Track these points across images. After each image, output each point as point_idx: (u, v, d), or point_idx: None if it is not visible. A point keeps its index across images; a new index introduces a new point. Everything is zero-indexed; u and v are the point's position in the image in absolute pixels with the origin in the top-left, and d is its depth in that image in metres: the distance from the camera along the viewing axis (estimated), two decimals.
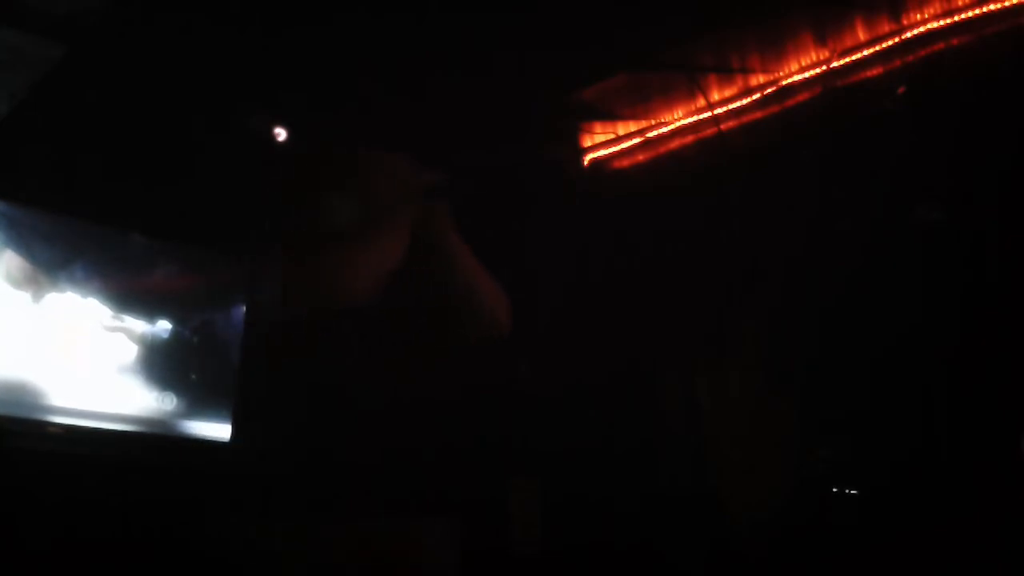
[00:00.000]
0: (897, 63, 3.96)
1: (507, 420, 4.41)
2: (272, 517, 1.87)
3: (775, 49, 4.20)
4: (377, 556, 1.83)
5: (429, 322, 1.93)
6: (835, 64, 4.10)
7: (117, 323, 4.23)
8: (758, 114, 4.34)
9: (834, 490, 3.49)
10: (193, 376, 4.41)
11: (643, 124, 4.70)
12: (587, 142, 4.87)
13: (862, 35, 4.06)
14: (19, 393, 3.88)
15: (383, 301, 1.85)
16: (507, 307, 1.96)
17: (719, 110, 4.42)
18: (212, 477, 4.21)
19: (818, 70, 4.17)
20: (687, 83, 4.40)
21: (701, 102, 4.45)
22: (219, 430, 4.42)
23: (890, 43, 3.98)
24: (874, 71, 4.04)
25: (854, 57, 4.07)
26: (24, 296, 3.99)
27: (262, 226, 4.42)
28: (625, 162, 4.80)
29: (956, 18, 3.81)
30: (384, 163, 1.92)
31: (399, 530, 1.87)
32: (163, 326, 4.37)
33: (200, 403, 4.41)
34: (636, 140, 4.74)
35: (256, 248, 4.61)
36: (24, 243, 4.02)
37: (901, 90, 3.83)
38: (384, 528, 1.85)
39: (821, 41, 4.12)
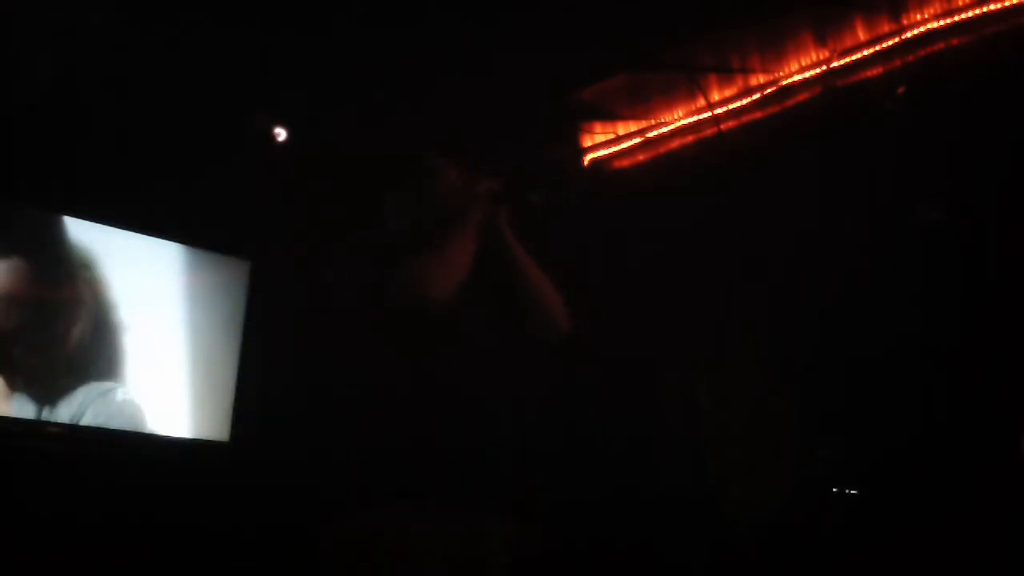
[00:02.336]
0: (897, 63, 3.95)
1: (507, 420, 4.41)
2: (275, 514, 1.89)
3: (775, 49, 4.20)
4: (384, 552, 1.83)
5: (495, 325, 1.98)
6: (835, 64, 4.10)
7: (117, 323, 4.23)
8: (758, 114, 4.34)
9: (834, 490, 3.50)
10: (193, 376, 4.41)
11: (643, 124, 4.70)
12: (587, 142, 4.87)
13: (862, 35, 4.06)
14: (19, 393, 3.88)
15: (453, 303, 1.88)
16: (566, 309, 2.05)
17: (719, 110, 4.42)
18: (212, 476, 4.22)
19: (818, 70, 4.17)
20: (687, 83, 4.40)
21: (701, 102, 4.45)
22: (219, 430, 4.42)
23: (890, 43, 3.98)
24: (874, 71, 4.04)
25: (854, 57, 4.07)
26: (24, 296, 3.98)
27: (264, 228, 4.44)
28: (625, 162, 4.80)
29: (956, 18, 3.81)
30: (448, 170, 1.97)
31: (406, 526, 1.86)
32: (163, 326, 4.37)
33: (200, 403, 4.41)
34: (636, 140, 4.74)
35: (256, 249, 4.62)
36: (24, 243, 4.02)
37: (901, 90, 3.82)
38: (394, 524, 1.86)
39: (821, 41, 4.12)
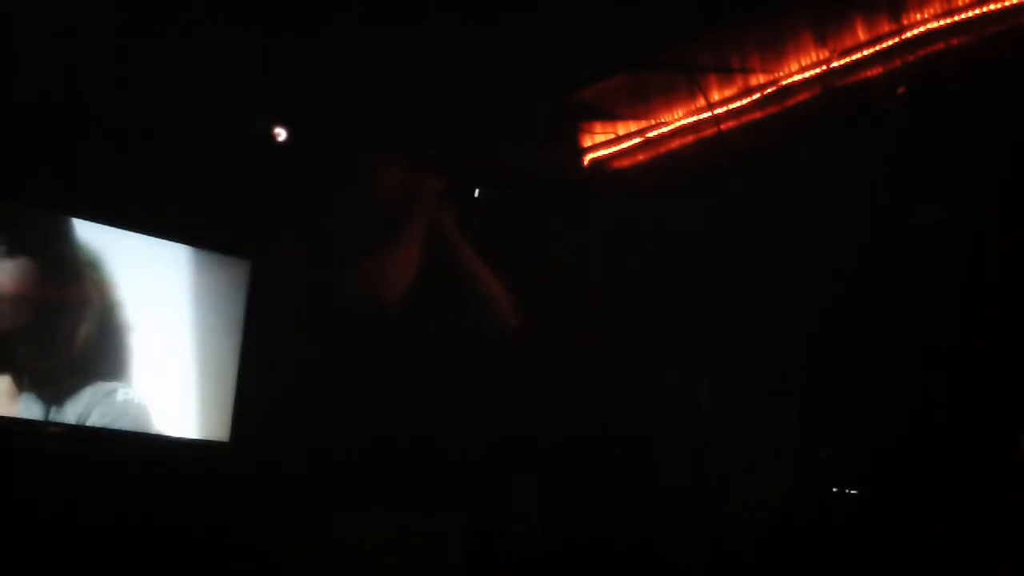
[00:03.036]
0: (897, 63, 3.96)
1: (507, 420, 4.42)
2: (275, 514, 1.90)
3: (775, 49, 4.20)
4: (384, 552, 1.84)
5: (441, 321, 2.00)
6: (835, 64, 4.10)
7: (120, 323, 4.23)
8: (758, 114, 4.34)
9: (834, 490, 3.50)
10: (194, 376, 4.41)
11: (643, 124, 4.70)
12: (587, 142, 4.87)
13: (862, 35, 4.06)
14: (26, 393, 3.88)
15: (401, 303, 1.90)
16: (513, 305, 2.05)
17: (719, 110, 4.42)
18: (212, 476, 4.22)
19: (818, 70, 4.17)
20: (687, 83, 4.40)
21: (701, 102, 4.45)
22: (219, 430, 4.42)
23: (890, 43, 3.98)
24: (874, 71, 4.04)
25: (854, 57, 4.07)
26: (29, 296, 3.99)
27: (264, 228, 4.44)
28: (625, 162, 4.80)
29: (956, 18, 3.81)
30: (396, 169, 1.98)
31: (406, 526, 1.88)
32: (164, 326, 4.37)
33: (200, 403, 4.41)
34: (636, 140, 4.74)
35: (257, 249, 4.62)
36: (28, 244, 4.02)
37: (901, 90, 3.83)
38: (392, 524, 1.86)
39: (821, 41, 4.12)
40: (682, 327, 4.06)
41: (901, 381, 3.48)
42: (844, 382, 3.55)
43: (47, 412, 3.91)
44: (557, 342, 4.50)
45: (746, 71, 4.33)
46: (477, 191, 2.04)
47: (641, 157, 4.74)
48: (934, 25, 3.86)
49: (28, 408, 3.86)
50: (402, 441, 1.92)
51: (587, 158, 4.87)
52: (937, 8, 3.86)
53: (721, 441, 3.58)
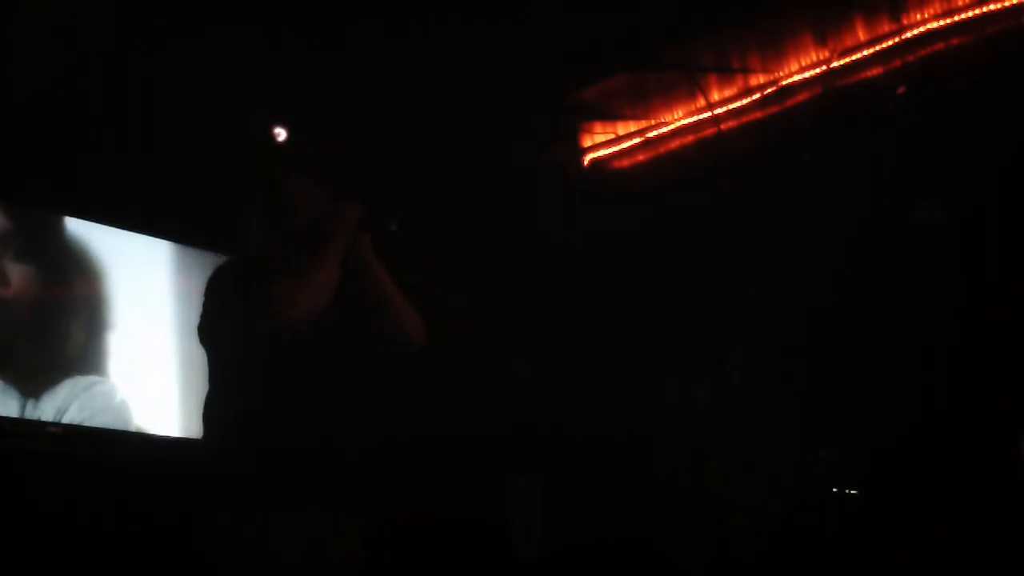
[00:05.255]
0: (897, 63, 3.96)
1: (507, 420, 4.42)
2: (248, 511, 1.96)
3: (775, 49, 4.20)
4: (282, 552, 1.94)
5: (355, 335, 2.11)
6: (835, 64, 4.10)
7: (113, 322, 4.23)
8: (758, 114, 4.34)
9: (834, 490, 3.50)
10: (192, 375, 4.41)
11: (643, 124, 4.70)
12: (587, 142, 4.87)
13: (862, 35, 4.06)
14: (20, 393, 3.88)
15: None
16: (421, 325, 2.17)
17: (719, 110, 4.42)
18: (212, 476, 4.21)
19: (818, 70, 4.17)
20: (687, 83, 4.40)
21: (701, 102, 4.46)
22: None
23: (890, 43, 3.98)
24: (874, 71, 4.04)
25: (854, 57, 4.07)
26: (21, 294, 3.98)
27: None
28: (625, 162, 4.80)
29: (956, 18, 3.81)
30: (318, 195, 2.13)
31: (304, 524, 1.96)
32: (162, 326, 4.37)
33: (188, 401, 4.40)
34: (636, 140, 4.74)
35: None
36: (23, 242, 4.02)
37: (901, 90, 3.83)
38: (290, 523, 1.95)
39: (821, 41, 4.12)
40: (682, 327, 4.06)
41: (901, 381, 3.48)
42: (844, 382, 3.55)
43: (33, 410, 3.89)
44: (557, 342, 4.51)
45: (746, 71, 4.33)
46: (394, 223, 2.14)
47: (641, 157, 4.74)
48: (934, 25, 3.86)
49: (9, 406, 3.84)
50: (305, 441, 1.99)
51: (587, 158, 4.87)
52: (937, 8, 3.87)
53: (721, 441, 3.57)
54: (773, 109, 4.30)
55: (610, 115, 4.71)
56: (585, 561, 4.01)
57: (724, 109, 4.42)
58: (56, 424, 3.93)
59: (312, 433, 2.00)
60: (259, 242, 2.28)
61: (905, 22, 3.93)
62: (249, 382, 2.00)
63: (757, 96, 4.33)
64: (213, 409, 2.08)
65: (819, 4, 3.92)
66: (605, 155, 4.83)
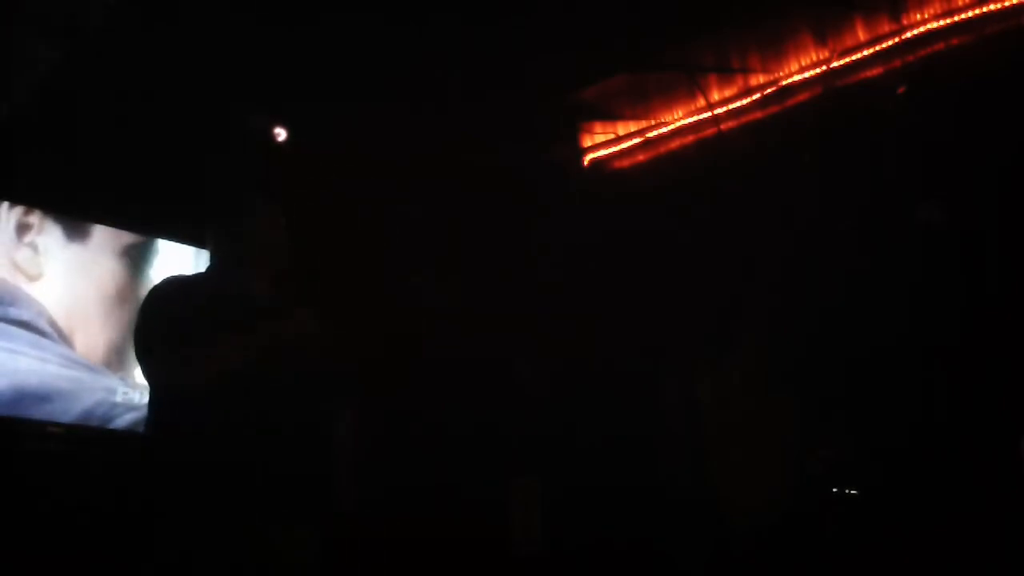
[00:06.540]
0: (897, 63, 3.96)
1: (507, 420, 4.42)
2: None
3: (775, 49, 4.20)
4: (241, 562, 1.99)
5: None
6: (835, 64, 4.10)
7: (116, 320, 4.23)
8: (758, 114, 4.34)
9: (834, 490, 3.49)
10: None
11: (643, 124, 4.70)
12: (587, 142, 4.87)
13: (862, 35, 4.06)
14: (19, 393, 3.88)
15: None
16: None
17: (719, 110, 4.42)
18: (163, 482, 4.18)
19: (818, 70, 4.17)
20: (687, 83, 4.40)
21: (701, 102, 4.46)
22: None
23: (890, 43, 3.98)
24: (874, 71, 4.04)
25: (854, 57, 4.07)
26: (25, 295, 3.98)
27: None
28: (625, 162, 4.80)
29: (956, 18, 3.82)
30: (280, 226, 2.29)
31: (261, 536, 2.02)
32: None
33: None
34: (636, 140, 4.74)
35: None
36: (23, 243, 4.02)
37: (901, 90, 3.83)
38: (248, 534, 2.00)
39: (821, 41, 4.12)
40: (682, 327, 4.06)
41: (901, 381, 3.48)
42: (844, 382, 3.55)
43: (38, 412, 3.88)
44: (557, 342, 4.51)
45: (746, 71, 4.33)
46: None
47: (641, 157, 4.74)
48: (934, 25, 3.86)
49: (22, 408, 3.84)
50: (256, 455, 2.05)
51: (587, 158, 4.87)
52: (937, 8, 3.87)
53: (721, 441, 3.57)
54: (773, 109, 4.30)
55: (610, 115, 4.71)
56: (585, 561, 4.01)
57: (724, 109, 4.42)
58: (56, 424, 3.93)
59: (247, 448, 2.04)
60: (213, 257, 2.34)
61: (905, 22, 3.94)
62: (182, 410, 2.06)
63: (757, 96, 4.34)
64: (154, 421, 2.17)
65: (819, 4, 3.92)
66: (605, 155, 4.83)
